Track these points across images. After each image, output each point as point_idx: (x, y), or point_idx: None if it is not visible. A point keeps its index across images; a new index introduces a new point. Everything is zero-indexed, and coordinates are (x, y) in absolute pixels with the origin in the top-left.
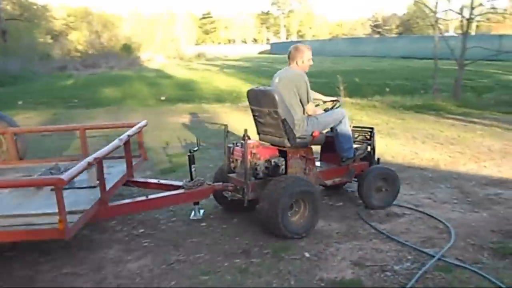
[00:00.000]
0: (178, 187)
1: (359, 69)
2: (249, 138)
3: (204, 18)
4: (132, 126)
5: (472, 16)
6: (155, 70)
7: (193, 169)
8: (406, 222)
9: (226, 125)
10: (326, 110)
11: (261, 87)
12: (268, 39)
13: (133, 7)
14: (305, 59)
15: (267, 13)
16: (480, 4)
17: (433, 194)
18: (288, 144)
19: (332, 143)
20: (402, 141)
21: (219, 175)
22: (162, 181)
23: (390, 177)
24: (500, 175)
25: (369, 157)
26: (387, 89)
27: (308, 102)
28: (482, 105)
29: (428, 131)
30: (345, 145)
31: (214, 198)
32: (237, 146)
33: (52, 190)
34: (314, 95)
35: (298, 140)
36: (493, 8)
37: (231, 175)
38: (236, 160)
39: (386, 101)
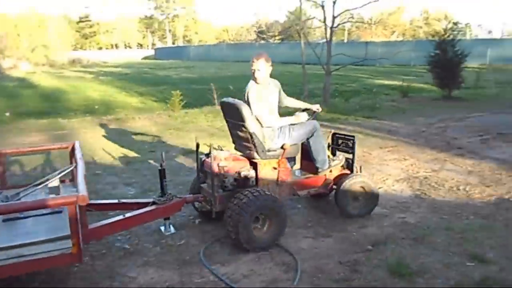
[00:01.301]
0: (146, 204)
1: (242, 74)
2: (221, 150)
3: (81, 21)
4: None
5: (335, 25)
6: (17, 79)
7: (164, 183)
8: (252, 260)
9: (196, 137)
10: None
11: (231, 99)
12: (154, 44)
13: None
14: (253, 68)
15: (150, 18)
16: (347, 10)
17: (290, 218)
18: (258, 157)
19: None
20: None
21: (194, 186)
22: (124, 200)
23: (367, 186)
24: None
25: (349, 165)
26: None
27: (258, 114)
28: (348, 110)
29: None
30: (319, 157)
31: (193, 206)
32: (207, 158)
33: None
34: (293, 102)
35: (268, 153)
36: (352, 17)
37: (202, 185)
38: (206, 172)
39: None
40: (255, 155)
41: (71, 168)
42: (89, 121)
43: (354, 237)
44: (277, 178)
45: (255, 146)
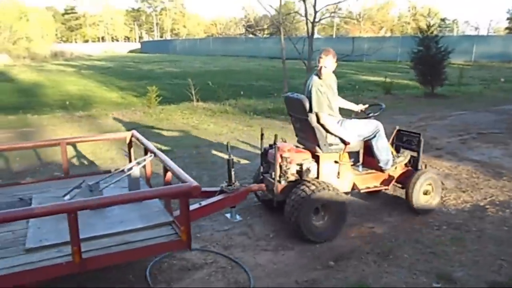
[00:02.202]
0: (214, 192)
1: (227, 69)
2: (284, 142)
3: (67, 13)
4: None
5: (317, 20)
6: None
7: (232, 173)
8: (201, 279)
9: (262, 129)
10: (368, 114)
11: (294, 94)
12: (141, 37)
13: None
14: (318, 63)
15: (138, 10)
16: (328, 5)
17: (251, 227)
18: (320, 150)
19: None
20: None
21: (257, 176)
22: None
23: (435, 182)
24: None
25: (414, 163)
26: (242, 92)
27: (320, 111)
28: None
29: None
30: (382, 157)
31: (255, 196)
32: (271, 149)
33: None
34: (343, 103)
35: (330, 147)
36: (335, 12)
37: (265, 175)
38: (269, 162)
39: (240, 105)
40: (317, 148)
41: (150, 158)
42: (60, 117)
43: (317, 250)
44: (338, 171)
45: (316, 140)
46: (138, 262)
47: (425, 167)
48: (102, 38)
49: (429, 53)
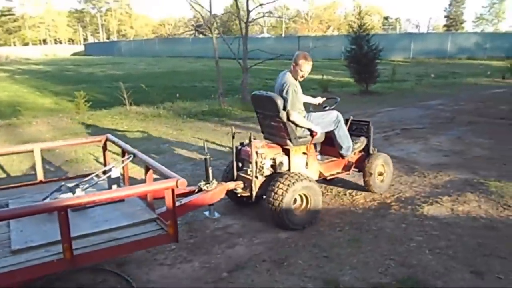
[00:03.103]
0: (193, 191)
1: (171, 71)
2: (254, 139)
3: (3, 15)
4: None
5: (250, 20)
6: None
7: (210, 171)
8: None
9: (232, 128)
10: (324, 107)
11: (263, 92)
12: (86, 39)
13: None
14: (299, 68)
15: (81, 11)
16: (261, 5)
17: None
18: (291, 144)
19: (330, 138)
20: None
21: (228, 174)
22: None
23: (387, 163)
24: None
25: (367, 148)
26: (177, 95)
27: (292, 110)
28: None
29: (199, 144)
30: (344, 144)
31: (226, 195)
32: (244, 146)
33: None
34: (305, 98)
35: (299, 140)
36: (269, 12)
37: (240, 173)
38: (243, 159)
39: (175, 108)
40: (288, 142)
41: (130, 159)
42: None
43: (215, 261)
44: (306, 162)
45: (288, 134)
46: None
47: (374, 151)
48: (44, 40)
49: (362, 52)
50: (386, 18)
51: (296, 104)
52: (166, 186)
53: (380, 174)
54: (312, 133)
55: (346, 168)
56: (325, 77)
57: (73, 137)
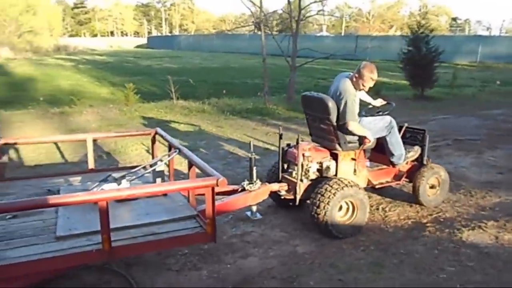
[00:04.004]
0: (235, 190)
1: (225, 66)
2: (302, 141)
3: (76, 7)
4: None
5: (302, 17)
6: None
7: (254, 171)
8: None
9: (280, 128)
10: (377, 112)
11: (314, 93)
12: (150, 33)
13: None
14: (362, 82)
15: (147, 5)
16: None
17: None
18: (339, 149)
19: (382, 145)
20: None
21: (272, 175)
22: None
23: (442, 176)
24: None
25: (420, 158)
26: (224, 91)
27: (351, 120)
28: None
29: (236, 143)
30: (396, 152)
31: (269, 196)
32: (291, 148)
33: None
34: (365, 97)
35: (349, 145)
36: (322, 10)
37: (285, 175)
38: (289, 161)
39: (220, 104)
40: (337, 146)
41: (175, 154)
42: (32, 114)
43: (224, 271)
44: (355, 168)
45: (337, 138)
46: None
47: (429, 161)
48: (111, 32)
49: (419, 53)
50: (454, 19)
51: (355, 114)
52: (206, 184)
53: (432, 187)
54: (364, 139)
55: (397, 177)
56: (378, 78)
57: (117, 128)
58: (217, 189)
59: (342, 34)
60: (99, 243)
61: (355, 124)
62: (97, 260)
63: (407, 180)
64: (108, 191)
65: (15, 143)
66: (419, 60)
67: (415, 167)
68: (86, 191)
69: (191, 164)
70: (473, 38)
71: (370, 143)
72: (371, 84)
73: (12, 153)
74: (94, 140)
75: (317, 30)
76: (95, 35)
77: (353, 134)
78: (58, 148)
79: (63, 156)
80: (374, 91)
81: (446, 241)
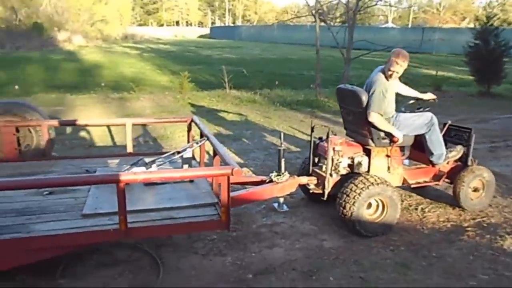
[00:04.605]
0: (263, 181)
1: (284, 57)
2: (334, 135)
3: None
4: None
5: (358, 8)
6: (68, 52)
7: (282, 163)
8: (109, 276)
9: (312, 120)
10: (418, 109)
11: (349, 86)
12: (213, 23)
13: None
14: (388, 66)
15: None
16: None
17: None
18: (372, 144)
19: (422, 142)
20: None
21: (303, 168)
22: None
23: (487, 179)
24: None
25: (464, 158)
26: (276, 82)
27: (372, 110)
28: None
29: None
30: (435, 151)
31: (300, 188)
32: (322, 142)
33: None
34: (407, 90)
35: (383, 141)
36: (382, 0)
37: (315, 168)
38: (320, 155)
39: (271, 95)
40: (370, 142)
41: (203, 142)
42: (94, 98)
43: (248, 260)
44: (389, 166)
45: (370, 133)
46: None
47: (474, 163)
48: (177, 22)
49: (487, 47)
50: None
51: (380, 106)
52: (221, 173)
53: (476, 190)
54: (393, 137)
55: (436, 177)
56: (440, 73)
57: (170, 114)
58: (244, 179)
59: (409, 26)
60: (116, 223)
61: (376, 116)
62: (113, 239)
63: (447, 181)
64: (124, 174)
65: (59, 125)
66: (486, 54)
67: (457, 168)
68: (107, 172)
69: (215, 153)
70: None
71: (399, 141)
72: (397, 68)
73: (72, 134)
74: (134, 125)
75: (382, 21)
76: (162, 25)
77: (378, 129)
78: (110, 131)
79: (113, 139)
80: (434, 87)
81: (484, 247)
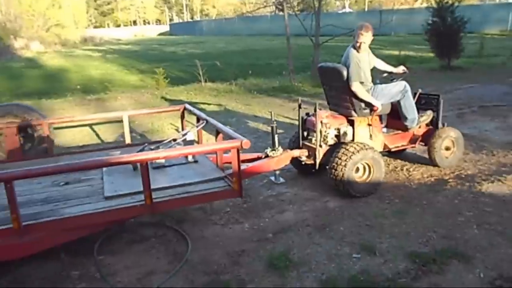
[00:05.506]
0: (259, 158)
1: (249, 49)
2: (320, 110)
3: None
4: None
5: None
6: (27, 59)
7: (276, 139)
8: (144, 250)
9: (299, 98)
10: (392, 80)
11: (330, 64)
12: (171, 20)
13: None
14: (356, 39)
15: None
16: None
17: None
18: (355, 115)
19: (397, 111)
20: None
21: (293, 143)
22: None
23: (456, 139)
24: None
25: (435, 123)
26: (250, 72)
27: (353, 80)
28: None
29: (265, 119)
30: (409, 115)
31: (290, 163)
32: (310, 116)
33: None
34: (382, 65)
35: (364, 111)
36: None
37: (305, 142)
38: (309, 129)
39: (247, 84)
40: (353, 112)
41: (203, 124)
42: (71, 101)
43: (264, 224)
44: (370, 133)
45: (352, 104)
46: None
47: (444, 126)
48: (134, 22)
49: (444, 24)
50: None
51: (358, 76)
52: (231, 145)
53: (447, 148)
54: (373, 107)
55: (412, 141)
56: (403, 52)
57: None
58: (243, 156)
59: (366, 9)
60: (141, 200)
61: (357, 85)
62: (141, 213)
63: (422, 143)
64: (147, 153)
65: (60, 122)
66: (444, 30)
67: (430, 131)
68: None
69: (218, 132)
70: (504, 5)
71: (378, 110)
72: (363, 39)
73: (60, 136)
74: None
75: (339, 7)
76: (119, 25)
77: (359, 99)
78: (95, 131)
79: (99, 137)
80: (399, 65)
81: (466, 193)
